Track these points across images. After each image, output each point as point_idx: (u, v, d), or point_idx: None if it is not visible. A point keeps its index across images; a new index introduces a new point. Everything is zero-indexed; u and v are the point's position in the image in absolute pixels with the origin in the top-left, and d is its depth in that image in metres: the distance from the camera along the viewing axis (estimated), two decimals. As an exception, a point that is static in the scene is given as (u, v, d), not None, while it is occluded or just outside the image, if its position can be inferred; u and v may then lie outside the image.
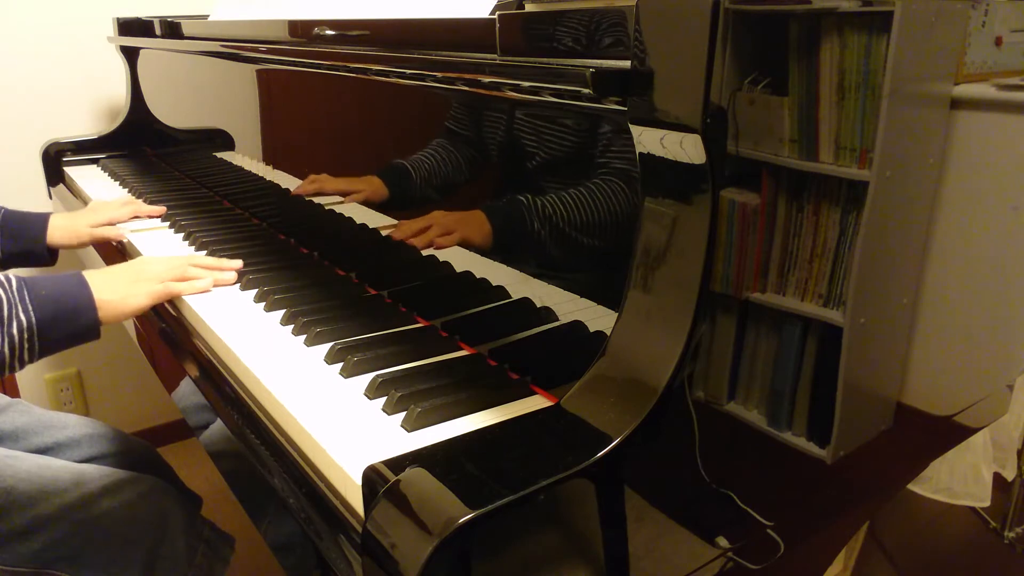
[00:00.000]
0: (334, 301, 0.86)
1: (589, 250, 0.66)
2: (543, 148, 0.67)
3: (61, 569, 0.88)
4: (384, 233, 0.90)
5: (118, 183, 1.50)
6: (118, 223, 1.22)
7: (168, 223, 1.21)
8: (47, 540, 0.87)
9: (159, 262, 0.91)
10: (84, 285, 0.82)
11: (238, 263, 0.96)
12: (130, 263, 0.91)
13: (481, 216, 0.77)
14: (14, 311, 0.76)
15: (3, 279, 0.77)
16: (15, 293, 0.76)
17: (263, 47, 1.02)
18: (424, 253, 0.84)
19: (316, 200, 1.04)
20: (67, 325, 0.80)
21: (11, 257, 1.16)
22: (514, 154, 0.71)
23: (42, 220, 1.18)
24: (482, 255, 0.77)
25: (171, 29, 1.48)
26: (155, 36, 1.56)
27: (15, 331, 0.75)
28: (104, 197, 1.39)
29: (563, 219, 0.67)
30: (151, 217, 1.26)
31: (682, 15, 0.48)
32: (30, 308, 0.76)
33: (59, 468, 0.92)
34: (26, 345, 0.76)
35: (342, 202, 0.98)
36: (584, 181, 0.64)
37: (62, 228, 1.18)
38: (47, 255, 1.19)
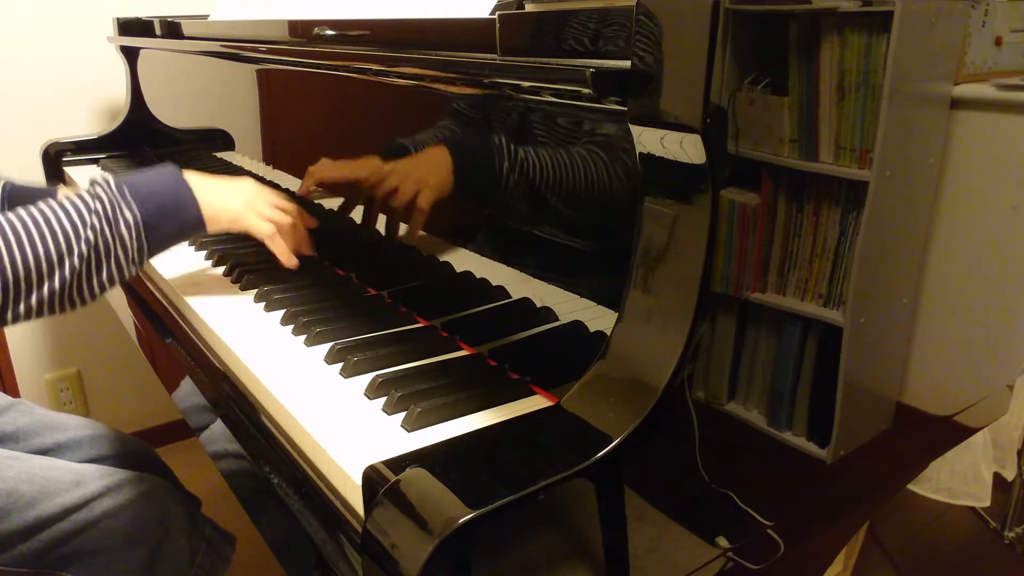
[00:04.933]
0: (334, 301, 0.86)
1: (559, 222, 0.65)
2: (552, 136, 0.67)
3: (63, 569, 0.88)
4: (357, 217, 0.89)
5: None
6: None
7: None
8: (49, 540, 0.87)
9: (260, 194, 0.88)
10: (182, 180, 0.81)
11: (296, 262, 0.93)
12: (238, 182, 0.88)
13: (443, 151, 0.77)
14: (119, 210, 0.74)
15: (100, 180, 0.76)
16: (116, 193, 0.75)
17: (263, 47, 1.02)
18: (423, 251, 0.84)
19: (316, 200, 1.04)
20: (172, 220, 0.79)
21: None
22: (518, 140, 0.71)
23: (50, 195, 1.14)
24: (449, 204, 0.76)
25: (171, 29, 1.48)
26: (155, 36, 1.56)
27: (123, 230, 0.74)
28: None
29: (535, 172, 0.66)
30: None
31: (682, 15, 0.48)
32: (134, 206, 0.75)
33: (60, 468, 0.92)
34: (135, 244, 0.75)
35: (352, 208, 0.98)
36: (567, 146, 0.64)
37: None
38: None
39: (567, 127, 0.64)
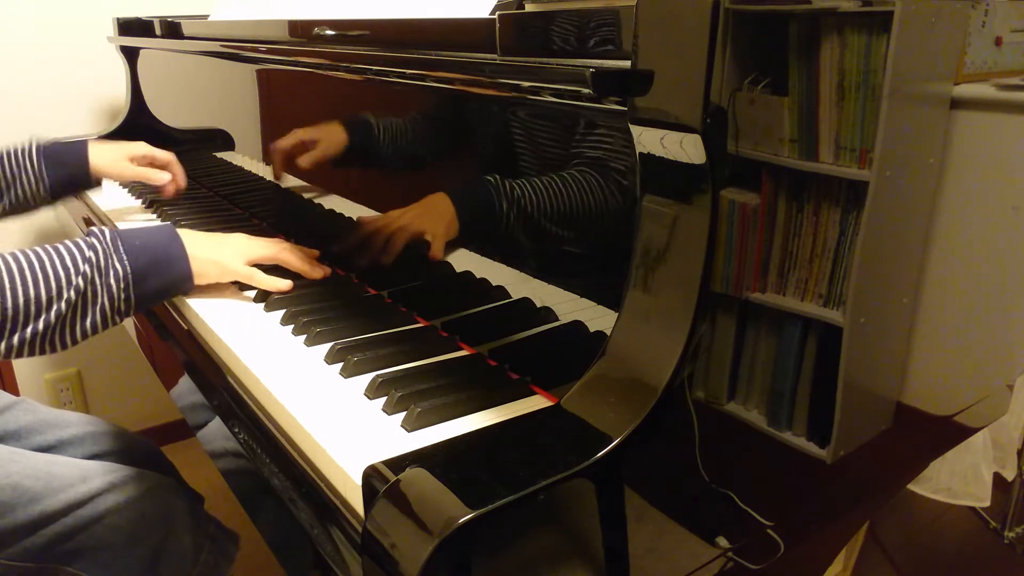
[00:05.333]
0: (334, 301, 0.86)
1: (560, 241, 0.66)
2: (528, 137, 0.67)
3: (67, 564, 0.88)
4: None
5: (118, 183, 1.50)
6: (157, 163, 1.24)
7: (168, 223, 1.21)
8: (53, 535, 0.87)
9: (251, 241, 0.91)
10: (176, 237, 0.83)
11: (327, 270, 0.94)
12: (221, 235, 0.91)
13: (444, 199, 0.78)
14: (110, 261, 0.76)
15: (96, 231, 0.78)
16: (109, 243, 0.77)
17: (263, 47, 1.02)
18: (424, 252, 0.84)
19: (316, 200, 1.04)
20: (162, 275, 0.80)
21: (57, 184, 1.18)
22: (495, 140, 0.71)
23: (81, 145, 1.19)
24: (452, 243, 0.77)
25: (171, 29, 1.48)
26: (155, 36, 1.56)
27: (112, 281, 0.75)
28: (104, 197, 1.39)
29: (533, 205, 0.67)
30: (174, 185, 1.25)
31: (682, 15, 0.48)
32: (124, 258, 0.77)
33: (65, 464, 0.92)
34: (123, 295, 0.76)
35: (302, 168, 0.98)
36: (558, 171, 0.64)
37: (103, 155, 1.20)
38: (91, 179, 1.21)
39: (562, 142, 0.64)
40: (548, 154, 0.66)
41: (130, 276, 0.77)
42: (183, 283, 0.83)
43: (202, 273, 0.85)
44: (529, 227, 0.69)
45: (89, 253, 0.75)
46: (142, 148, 1.24)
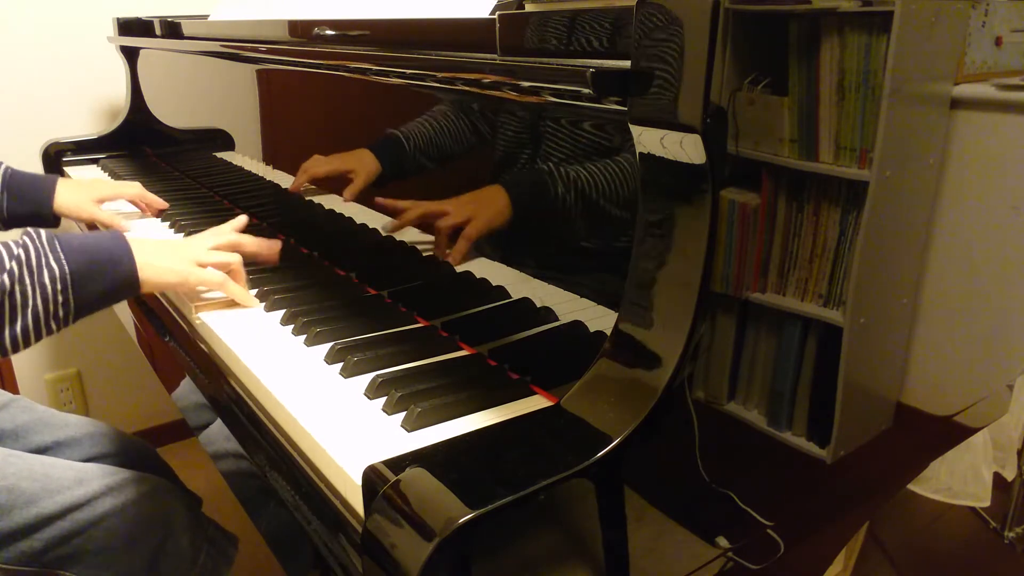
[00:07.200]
0: (334, 301, 0.86)
1: (564, 220, 0.65)
2: (578, 149, 0.66)
3: (65, 568, 0.88)
4: (389, 233, 0.90)
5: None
6: (123, 199, 1.24)
7: (168, 223, 1.21)
8: (50, 538, 0.86)
9: (199, 242, 0.88)
10: (121, 239, 0.79)
11: (277, 243, 0.94)
12: (175, 240, 0.88)
13: (499, 191, 0.76)
14: (43, 259, 0.71)
15: (31, 231, 0.74)
16: (44, 244, 0.73)
17: (263, 47, 1.02)
18: (424, 251, 0.84)
19: (316, 200, 1.04)
20: (104, 277, 0.76)
21: (16, 218, 1.15)
22: (529, 126, 0.71)
23: (50, 183, 1.17)
24: (507, 233, 0.76)
25: (171, 29, 1.48)
26: (155, 36, 1.56)
27: (47, 280, 0.71)
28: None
29: (591, 187, 0.65)
30: (153, 210, 1.25)
31: (682, 15, 0.48)
32: (62, 258, 0.72)
33: (62, 467, 0.92)
34: (60, 298, 0.72)
35: (344, 201, 0.98)
36: (612, 155, 0.63)
37: (69, 196, 1.17)
38: (52, 219, 1.18)
39: (588, 138, 0.64)
40: (582, 142, 0.64)
41: (68, 277, 0.72)
42: (128, 285, 0.79)
43: (156, 282, 0.81)
44: (583, 210, 0.66)
45: (18, 251, 0.71)
46: (109, 188, 1.22)
